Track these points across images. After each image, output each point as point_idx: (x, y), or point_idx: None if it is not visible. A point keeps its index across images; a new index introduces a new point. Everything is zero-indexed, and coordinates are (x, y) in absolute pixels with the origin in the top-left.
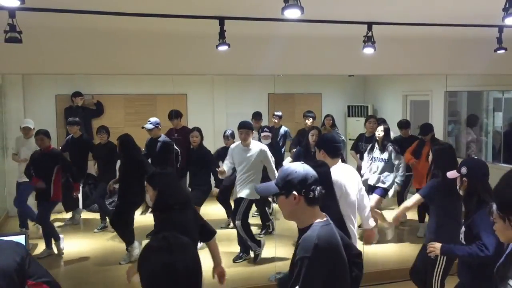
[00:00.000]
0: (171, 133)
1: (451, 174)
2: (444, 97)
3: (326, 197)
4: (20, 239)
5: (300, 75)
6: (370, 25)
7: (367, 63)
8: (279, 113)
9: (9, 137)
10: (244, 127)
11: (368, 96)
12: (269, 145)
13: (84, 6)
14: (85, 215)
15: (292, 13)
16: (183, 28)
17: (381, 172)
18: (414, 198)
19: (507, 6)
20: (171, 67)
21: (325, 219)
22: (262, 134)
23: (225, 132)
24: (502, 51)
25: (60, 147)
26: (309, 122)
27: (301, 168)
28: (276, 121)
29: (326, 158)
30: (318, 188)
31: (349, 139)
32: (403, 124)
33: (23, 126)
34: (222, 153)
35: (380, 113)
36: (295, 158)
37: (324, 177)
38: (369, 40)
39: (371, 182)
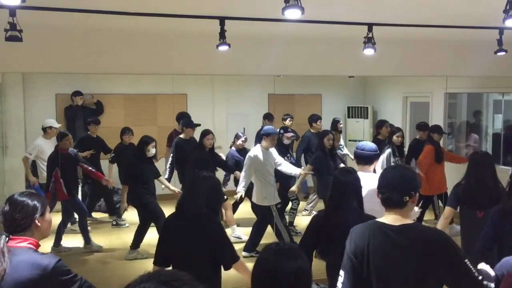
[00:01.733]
0: (177, 134)
1: None
2: (444, 98)
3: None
4: None
5: (300, 75)
6: (370, 26)
7: (367, 64)
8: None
9: (9, 135)
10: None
11: (368, 97)
12: (289, 146)
13: (84, 5)
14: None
15: (293, 13)
16: (184, 28)
17: None
18: None
19: (507, 8)
20: (171, 66)
21: (377, 219)
22: (289, 135)
23: (239, 135)
24: (502, 53)
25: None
26: (321, 125)
27: (385, 171)
28: (291, 122)
29: None
30: (383, 192)
31: (349, 140)
32: (423, 127)
33: (54, 127)
34: (242, 156)
35: (380, 115)
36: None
37: (341, 185)
38: (369, 41)
39: None
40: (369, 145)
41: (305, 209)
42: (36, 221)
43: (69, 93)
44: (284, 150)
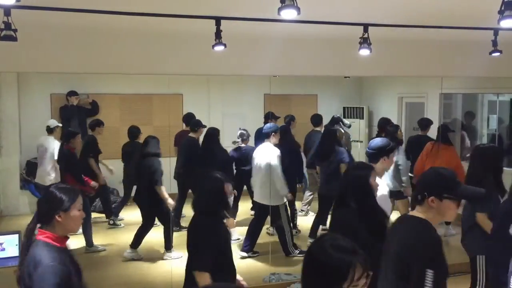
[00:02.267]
0: (184, 134)
1: None
2: (439, 99)
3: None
4: (14, 238)
5: (296, 76)
6: (366, 26)
7: (363, 65)
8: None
9: (3, 136)
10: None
11: (363, 98)
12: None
13: (80, 4)
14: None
15: (289, 13)
16: (179, 28)
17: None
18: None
19: (502, 8)
20: (167, 66)
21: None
22: None
23: (245, 133)
24: (497, 54)
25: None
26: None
27: None
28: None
29: None
30: None
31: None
32: (427, 122)
33: (59, 125)
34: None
35: (376, 115)
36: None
37: (341, 181)
38: (365, 41)
39: (397, 188)
40: (374, 142)
41: (302, 210)
42: (57, 216)
43: (64, 93)
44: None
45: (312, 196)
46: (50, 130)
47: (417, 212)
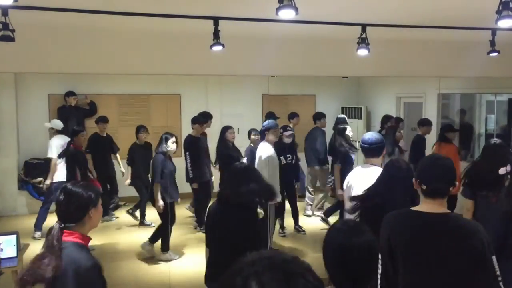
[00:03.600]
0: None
1: (502, 170)
2: (437, 99)
3: None
4: (11, 238)
5: (294, 76)
6: (364, 27)
7: (361, 65)
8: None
9: (1, 136)
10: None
11: (362, 98)
12: (289, 145)
13: (78, 5)
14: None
15: (287, 13)
16: (177, 28)
17: None
18: None
19: (500, 8)
20: (165, 67)
21: (415, 208)
22: (287, 133)
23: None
24: (495, 54)
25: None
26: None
27: (426, 161)
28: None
29: None
30: (431, 182)
31: None
32: (427, 122)
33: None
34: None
35: (374, 115)
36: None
37: None
38: (363, 42)
39: None
40: (370, 138)
41: (318, 214)
42: (90, 213)
43: (62, 93)
44: (282, 150)
45: (323, 195)
46: (60, 131)
47: (441, 207)
